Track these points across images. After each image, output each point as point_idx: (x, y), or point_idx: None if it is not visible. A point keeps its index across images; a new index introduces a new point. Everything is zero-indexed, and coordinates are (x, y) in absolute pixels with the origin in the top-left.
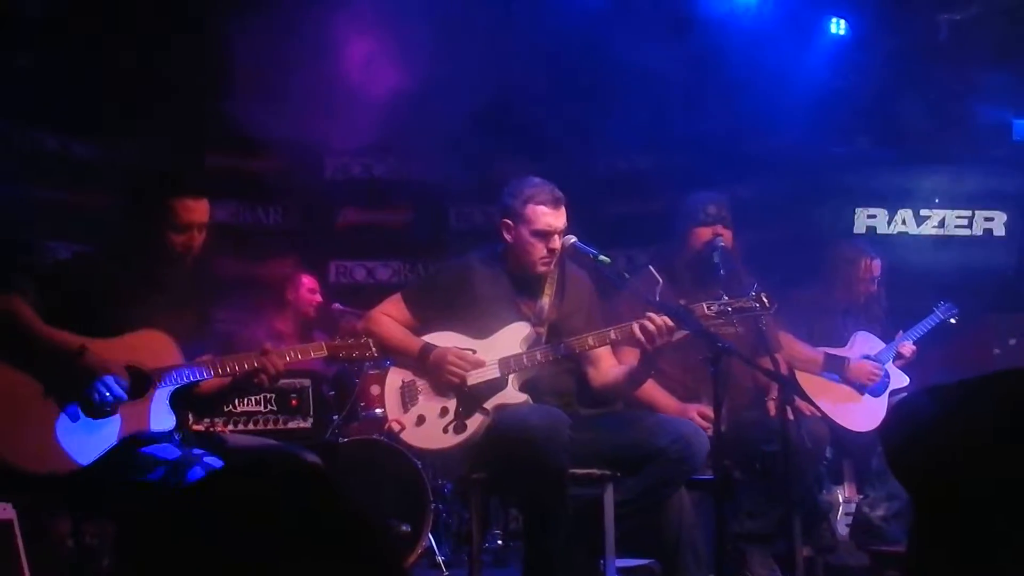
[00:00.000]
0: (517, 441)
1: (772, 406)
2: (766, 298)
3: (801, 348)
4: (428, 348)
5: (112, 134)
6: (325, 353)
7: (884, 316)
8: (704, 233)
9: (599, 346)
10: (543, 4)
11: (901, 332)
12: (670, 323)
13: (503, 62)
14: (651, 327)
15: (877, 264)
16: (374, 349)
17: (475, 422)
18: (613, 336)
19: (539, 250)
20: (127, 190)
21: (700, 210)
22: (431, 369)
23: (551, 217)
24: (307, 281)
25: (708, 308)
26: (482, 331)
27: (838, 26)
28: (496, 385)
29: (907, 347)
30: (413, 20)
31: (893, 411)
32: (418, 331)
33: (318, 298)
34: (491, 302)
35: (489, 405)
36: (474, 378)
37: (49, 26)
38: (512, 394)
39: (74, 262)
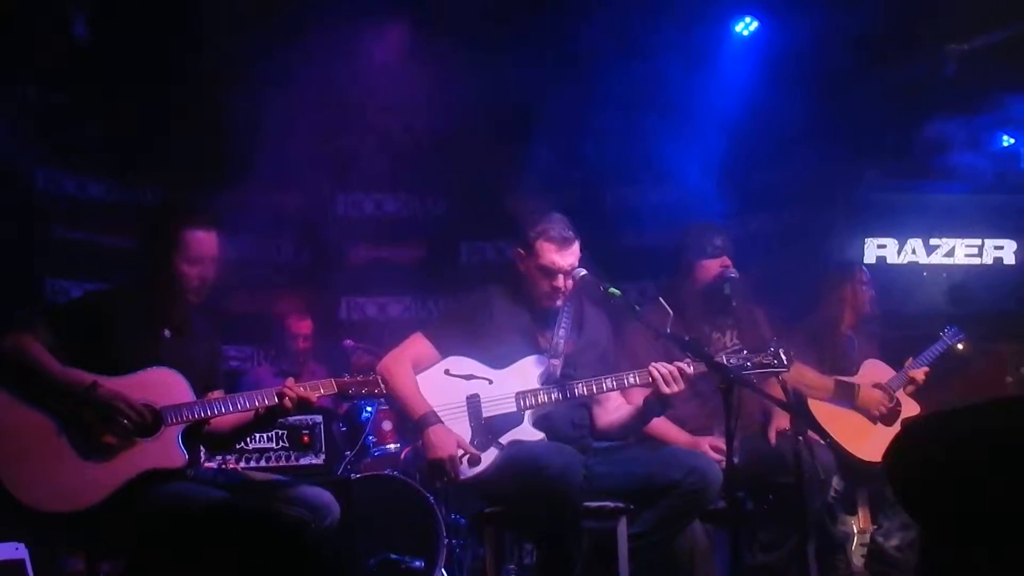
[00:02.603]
0: (533, 482)
1: (773, 435)
2: (784, 354)
3: (812, 375)
4: (428, 420)
5: (128, 175)
6: (335, 391)
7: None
8: (712, 266)
9: (618, 389)
10: (552, 39)
11: (911, 359)
12: (688, 370)
13: (512, 98)
14: (669, 373)
15: (867, 277)
16: (383, 387)
17: (490, 456)
18: (632, 380)
19: (544, 285)
20: (140, 225)
21: (707, 243)
22: (423, 442)
23: (556, 255)
24: (293, 324)
25: (727, 360)
26: (499, 360)
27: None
28: (512, 420)
29: (919, 372)
30: (424, 57)
31: (897, 439)
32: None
33: (303, 344)
34: (509, 332)
35: (504, 440)
36: (490, 410)
37: (66, 69)
38: (528, 430)
39: (86, 300)
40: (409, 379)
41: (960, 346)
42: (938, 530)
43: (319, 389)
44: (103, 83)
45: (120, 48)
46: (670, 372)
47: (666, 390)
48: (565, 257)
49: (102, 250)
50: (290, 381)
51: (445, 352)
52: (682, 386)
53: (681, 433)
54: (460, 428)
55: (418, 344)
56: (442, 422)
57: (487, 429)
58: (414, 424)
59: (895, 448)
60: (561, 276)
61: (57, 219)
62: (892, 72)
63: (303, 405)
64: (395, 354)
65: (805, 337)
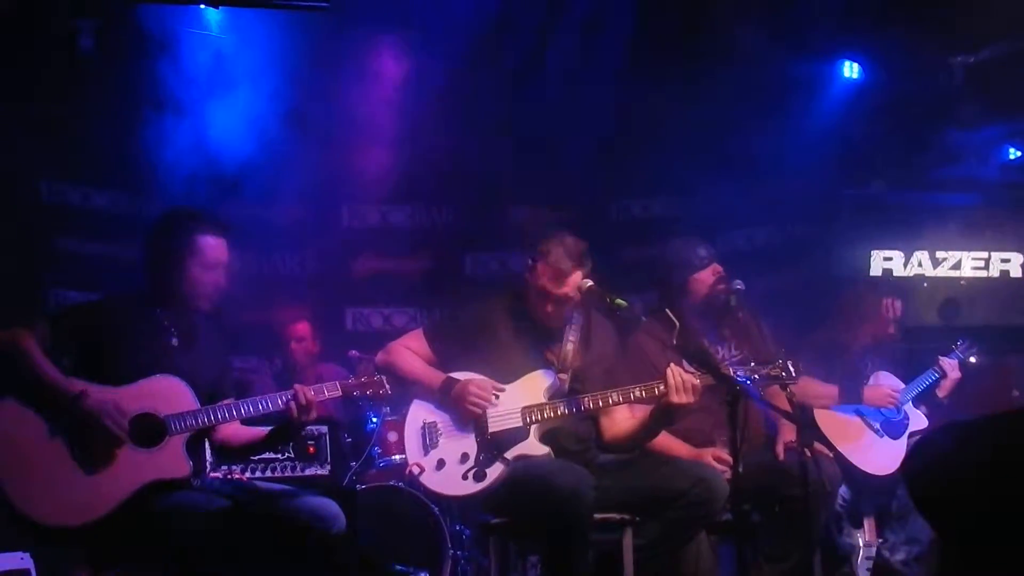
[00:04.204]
0: (543, 501)
1: (781, 450)
2: (792, 365)
3: (816, 385)
4: (451, 381)
5: (133, 186)
6: (340, 393)
7: (895, 360)
8: (705, 277)
9: (623, 403)
10: (559, 54)
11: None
12: (695, 382)
13: (518, 111)
14: (683, 381)
15: (899, 304)
16: (388, 388)
17: (496, 471)
18: (638, 394)
19: (536, 302)
20: (152, 232)
21: (693, 256)
22: (453, 402)
23: (550, 282)
24: (289, 329)
25: (735, 371)
26: (505, 375)
27: (851, 69)
28: (518, 435)
29: (948, 363)
30: (430, 70)
31: (914, 448)
32: (438, 369)
33: (299, 347)
34: (515, 346)
35: (510, 455)
36: (496, 425)
37: (71, 81)
38: (534, 445)
39: (92, 305)
40: (415, 360)
41: (972, 359)
42: (956, 536)
43: (323, 392)
44: (107, 94)
45: (124, 59)
46: (684, 381)
47: (675, 399)
48: (560, 286)
49: (107, 261)
50: (297, 385)
51: (440, 356)
52: (692, 397)
53: (683, 446)
54: (466, 443)
55: (416, 341)
56: (460, 379)
57: (493, 444)
58: (439, 393)
59: (915, 454)
60: (551, 303)
61: (61, 230)
62: (898, 84)
63: (311, 408)
64: (394, 343)
65: (814, 352)
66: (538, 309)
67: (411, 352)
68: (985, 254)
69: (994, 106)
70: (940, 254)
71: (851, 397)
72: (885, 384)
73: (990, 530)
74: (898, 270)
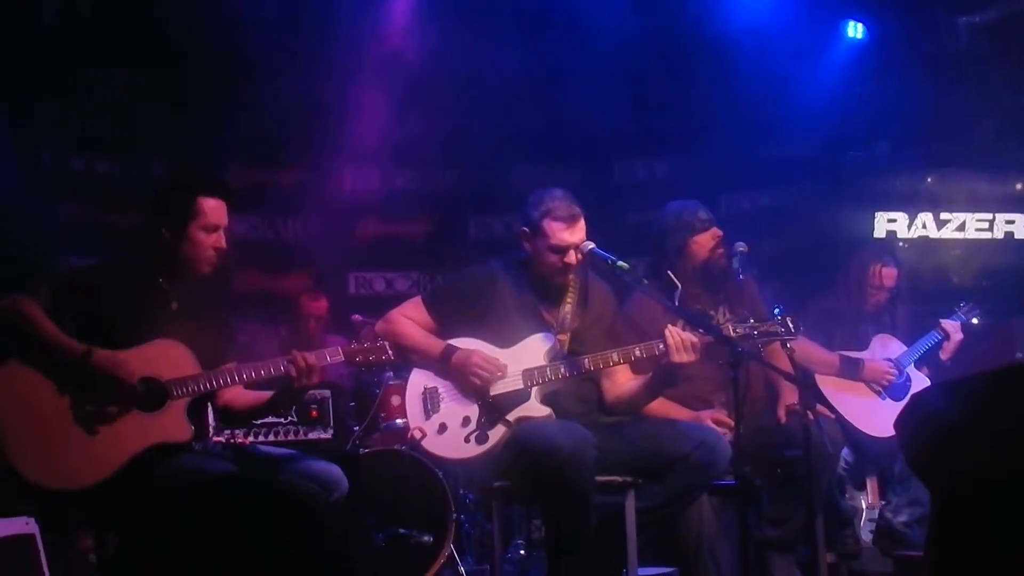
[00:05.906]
0: (544, 462)
1: (783, 413)
2: (791, 322)
3: (817, 351)
4: (451, 349)
5: (135, 152)
6: (341, 357)
7: (895, 326)
8: (705, 239)
9: (623, 363)
10: (563, 15)
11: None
12: (695, 339)
13: (519, 72)
14: (682, 341)
15: (889, 272)
16: (391, 353)
17: (497, 433)
18: (638, 353)
19: (555, 262)
20: (155, 192)
21: (692, 219)
22: (453, 371)
23: (566, 233)
24: (307, 304)
25: (734, 331)
26: (505, 339)
27: (855, 30)
28: (519, 397)
29: (950, 325)
30: (431, 31)
31: (909, 407)
32: (438, 336)
33: (317, 324)
34: (514, 310)
35: (512, 417)
36: (497, 388)
37: (72, 46)
38: (535, 407)
39: (89, 271)
40: (415, 328)
41: (975, 321)
42: (948, 495)
43: (326, 356)
44: (108, 59)
45: (125, 24)
46: (683, 340)
47: (676, 358)
48: (575, 233)
49: (110, 227)
50: (295, 350)
51: (440, 323)
52: (692, 356)
53: (683, 410)
54: (467, 407)
55: (416, 309)
56: (461, 348)
57: (495, 408)
58: (438, 362)
59: (906, 413)
60: (571, 252)
61: (65, 197)
62: (902, 45)
63: (311, 372)
64: (393, 312)
65: (819, 314)
66: (550, 266)
67: (410, 321)
68: (989, 215)
69: (999, 66)
70: (944, 215)
71: (850, 373)
72: (884, 348)
73: (981, 488)
74: (902, 232)
